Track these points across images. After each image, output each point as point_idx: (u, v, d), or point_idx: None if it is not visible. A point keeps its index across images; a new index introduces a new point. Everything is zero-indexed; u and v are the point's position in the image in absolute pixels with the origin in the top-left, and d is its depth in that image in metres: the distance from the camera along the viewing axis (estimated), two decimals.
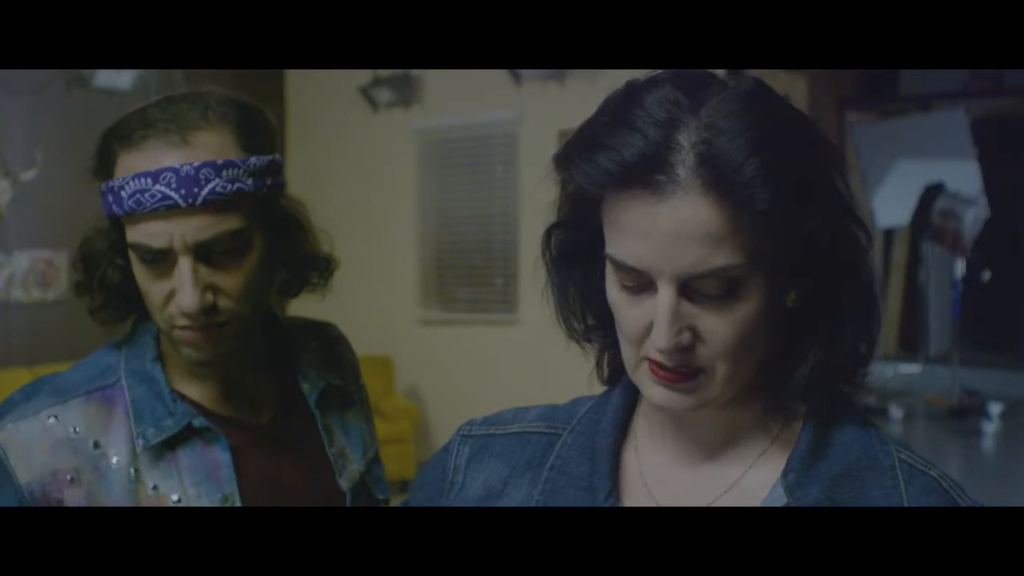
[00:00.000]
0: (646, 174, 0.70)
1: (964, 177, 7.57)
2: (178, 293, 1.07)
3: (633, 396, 0.89)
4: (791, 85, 5.68)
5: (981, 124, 7.77)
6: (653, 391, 0.78)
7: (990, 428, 6.99)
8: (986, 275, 8.01)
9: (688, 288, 0.73)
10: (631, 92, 0.75)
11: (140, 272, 1.10)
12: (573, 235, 0.84)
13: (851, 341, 0.80)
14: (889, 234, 9.75)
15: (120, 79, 5.73)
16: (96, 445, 1.11)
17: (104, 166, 1.10)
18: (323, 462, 1.24)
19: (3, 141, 5.46)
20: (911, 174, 7.89)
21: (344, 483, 1.25)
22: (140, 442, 1.11)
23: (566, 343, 0.90)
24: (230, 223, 1.07)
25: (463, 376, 6.51)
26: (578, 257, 0.85)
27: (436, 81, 6.49)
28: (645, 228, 0.71)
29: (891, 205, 8.15)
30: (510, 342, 6.28)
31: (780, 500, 0.79)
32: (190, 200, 1.04)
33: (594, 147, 0.72)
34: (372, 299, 6.78)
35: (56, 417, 1.11)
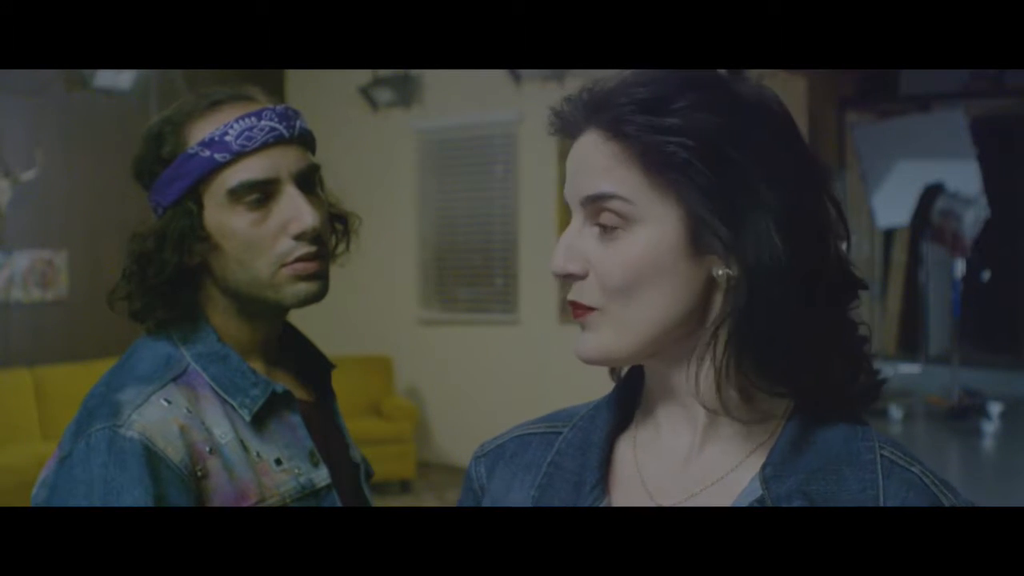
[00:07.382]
0: (565, 132, 0.86)
1: (964, 177, 7.56)
2: (296, 218, 1.15)
3: (634, 391, 0.90)
4: (791, 85, 5.68)
5: (981, 124, 7.77)
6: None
7: (990, 428, 6.98)
8: (986, 275, 8.01)
9: (593, 220, 0.81)
10: None
11: (240, 222, 1.15)
12: None
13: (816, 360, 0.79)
14: (889, 234, 9.75)
15: (120, 79, 5.74)
16: (202, 423, 1.12)
17: (172, 142, 1.15)
18: (341, 437, 1.32)
19: (3, 141, 5.47)
20: (911, 174, 7.89)
21: (356, 455, 1.34)
22: (244, 412, 1.15)
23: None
24: (311, 159, 1.20)
25: (463, 376, 6.51)
26: None
27: (436, 81, 6.49)
28: (567, 170, 0.86)
29: (891, 205, 8.15)
30: (510, 342, 6.29)
31: (756, 492, 0.80)
32: (291, 131, 1.17)
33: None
34: (372, 299, 6.78)
35: (167, 400, 1.11)
